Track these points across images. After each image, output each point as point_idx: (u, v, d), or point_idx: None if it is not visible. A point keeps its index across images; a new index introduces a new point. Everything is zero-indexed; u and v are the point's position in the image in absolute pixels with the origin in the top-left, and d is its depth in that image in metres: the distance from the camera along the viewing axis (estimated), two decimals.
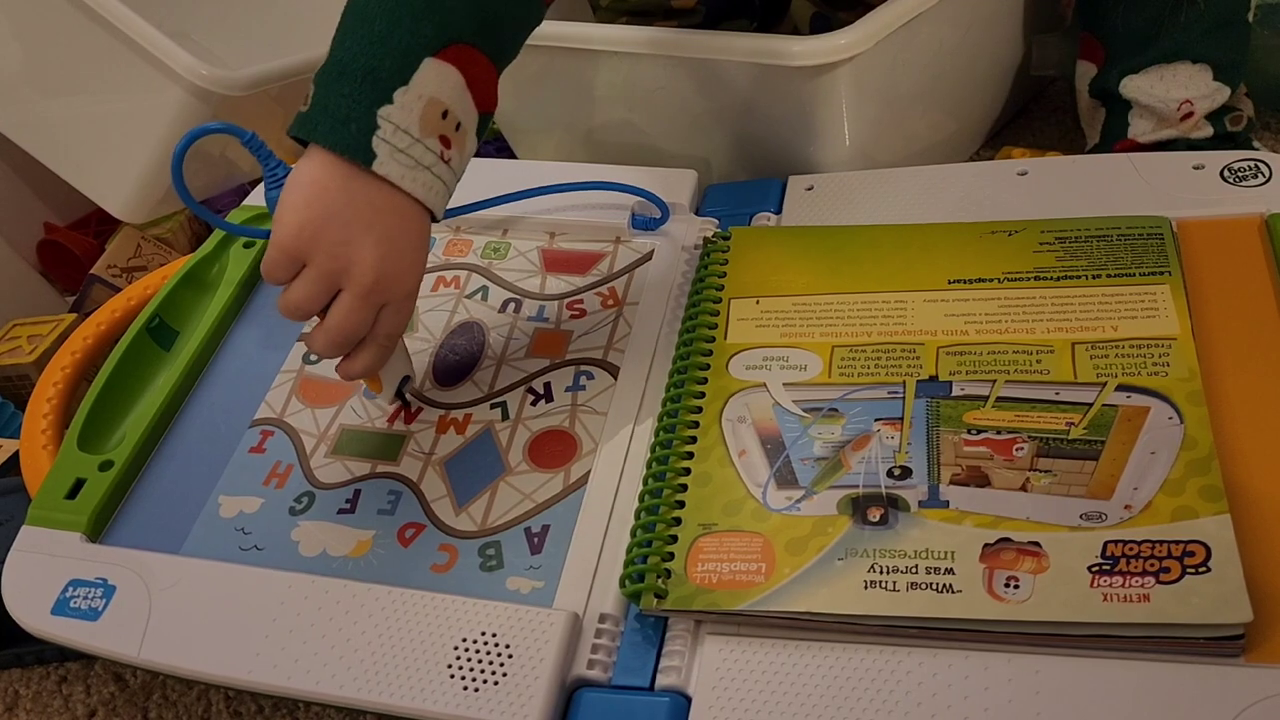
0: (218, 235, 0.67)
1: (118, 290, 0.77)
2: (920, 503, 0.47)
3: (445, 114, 0.47)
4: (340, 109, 0.45)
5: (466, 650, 0.46)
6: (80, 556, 0.52)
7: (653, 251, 0.63)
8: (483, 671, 0.45)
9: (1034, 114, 0.85)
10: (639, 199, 0.64)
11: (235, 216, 0.69)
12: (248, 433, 0.57)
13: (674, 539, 0.48)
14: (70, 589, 0.51)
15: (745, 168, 0.72)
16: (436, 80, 0.46)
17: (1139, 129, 0.72)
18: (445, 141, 0.47)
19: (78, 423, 0.57)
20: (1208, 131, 0.71)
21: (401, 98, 0.46)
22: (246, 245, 0.66)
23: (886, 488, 0.48)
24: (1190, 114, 0.70)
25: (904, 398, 0.51)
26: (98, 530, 0.54)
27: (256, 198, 0.71)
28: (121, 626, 0.49)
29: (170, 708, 0.56)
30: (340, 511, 0.53)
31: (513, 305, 0.62)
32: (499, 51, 0.49)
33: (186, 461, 0.57)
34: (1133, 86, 0.71)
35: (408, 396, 0.57)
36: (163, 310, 0.63)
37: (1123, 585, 0.42)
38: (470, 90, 0.48)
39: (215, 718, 0.55)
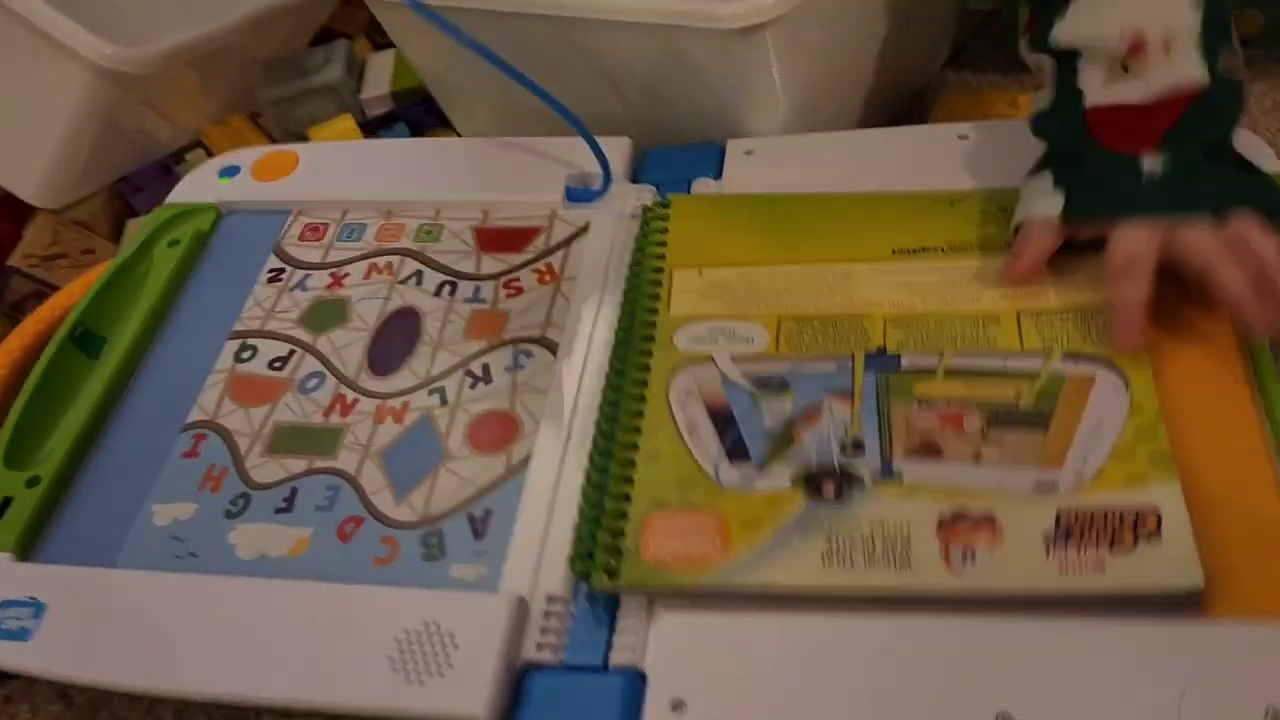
0: (141, 234, 0.65)
1: (38, 281, 0.74)
2: (874, 476, 0.46)
3: None
4: None
5: (409, 641, 0.44)
6: (9, 577, 0.50)
7: (589, 224, 0.61)
8: (427, 662, 0.43)
9: (975, 49, 0.84)
10: (570, 173, 0.63)
11: (164, 214, 0.66)
12: (180, 437, 0.55)
13: (624, 516, 0.46)
14: None
15: (684, 134, 0.70)
16: None
17: (1091, 86, 0.52)
18: None
19: (2, 440, 0.55)
20: (1192, 71, 0.50)
21: None
22: (171, 244, 0.64)
23: (840, 462, 0.47)
24: (1142, 45, 0.51)
25: (853, 371, 0.50)
26: (26, 549, 0.52)
27: (181, 194, 0.68)
28: (55, 645, 0.47)
29: None
30: (278, 511, 0.51)
31: (448, 288, 0.60)
32: None
33: (118, 472, 0.55)
34: (1062, 31, 0.53)
35: None
36: (87, 317, 0.61)
37: (1078, 555, 0.42)
38: None
39: None
